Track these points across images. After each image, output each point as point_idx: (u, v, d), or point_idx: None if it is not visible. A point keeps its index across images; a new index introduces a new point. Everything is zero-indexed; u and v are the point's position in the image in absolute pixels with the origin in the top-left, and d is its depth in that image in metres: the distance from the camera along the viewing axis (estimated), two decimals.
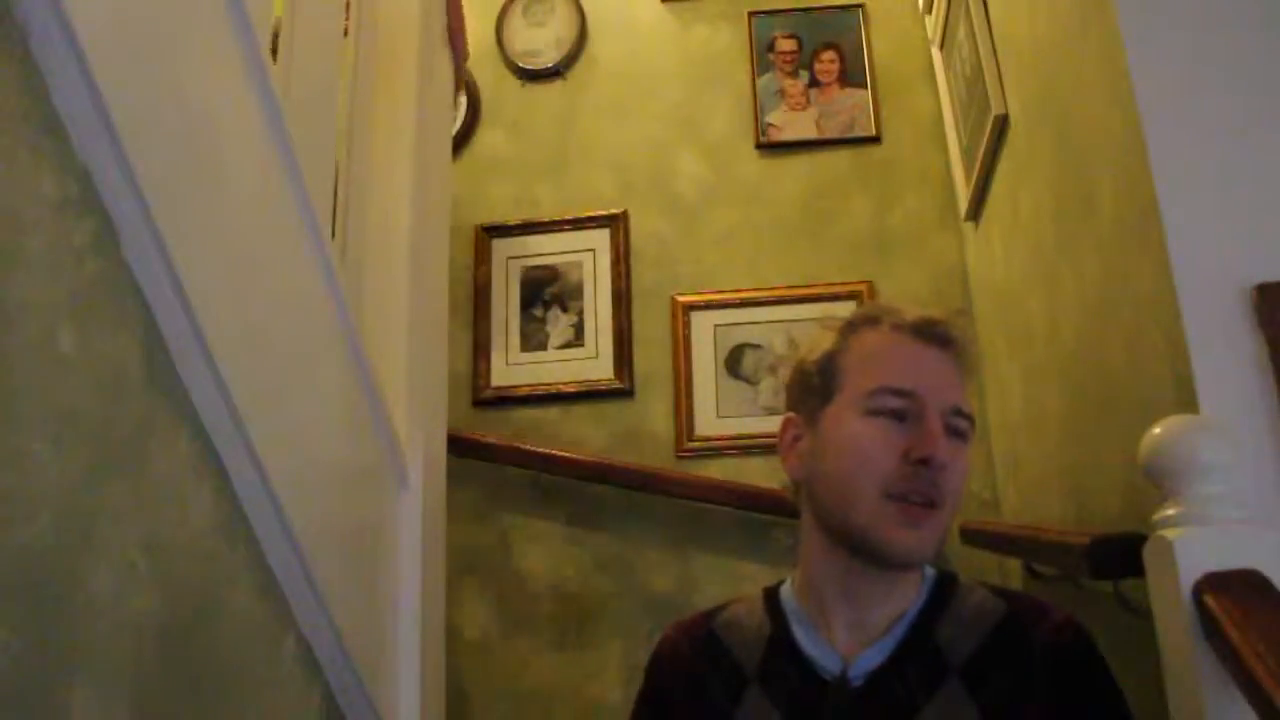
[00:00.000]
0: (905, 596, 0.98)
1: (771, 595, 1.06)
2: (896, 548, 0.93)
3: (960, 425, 0.95)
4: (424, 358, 1.34)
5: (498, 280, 2.87)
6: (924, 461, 0.91)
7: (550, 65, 3.02)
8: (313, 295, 0.96)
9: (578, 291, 2.84)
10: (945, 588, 1.00)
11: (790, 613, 1.02)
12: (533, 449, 2.63)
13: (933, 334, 0.97)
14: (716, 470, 2.64)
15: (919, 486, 0.92)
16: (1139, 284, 1.42)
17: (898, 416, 0.93)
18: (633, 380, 2.73)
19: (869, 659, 0.95)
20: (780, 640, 1.00)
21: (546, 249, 2.87)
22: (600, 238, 2.86)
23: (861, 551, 0.94)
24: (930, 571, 1.01)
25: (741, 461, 2.67)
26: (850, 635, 0.98)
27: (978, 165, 2.42)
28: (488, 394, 2.77)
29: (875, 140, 2.90)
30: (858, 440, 0.94)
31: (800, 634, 0.99)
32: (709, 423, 2.70)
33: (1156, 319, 1.35)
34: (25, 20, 0.53)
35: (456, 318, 2.63)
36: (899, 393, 0.94)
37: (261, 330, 0.83)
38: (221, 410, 0.73)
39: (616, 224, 2.86)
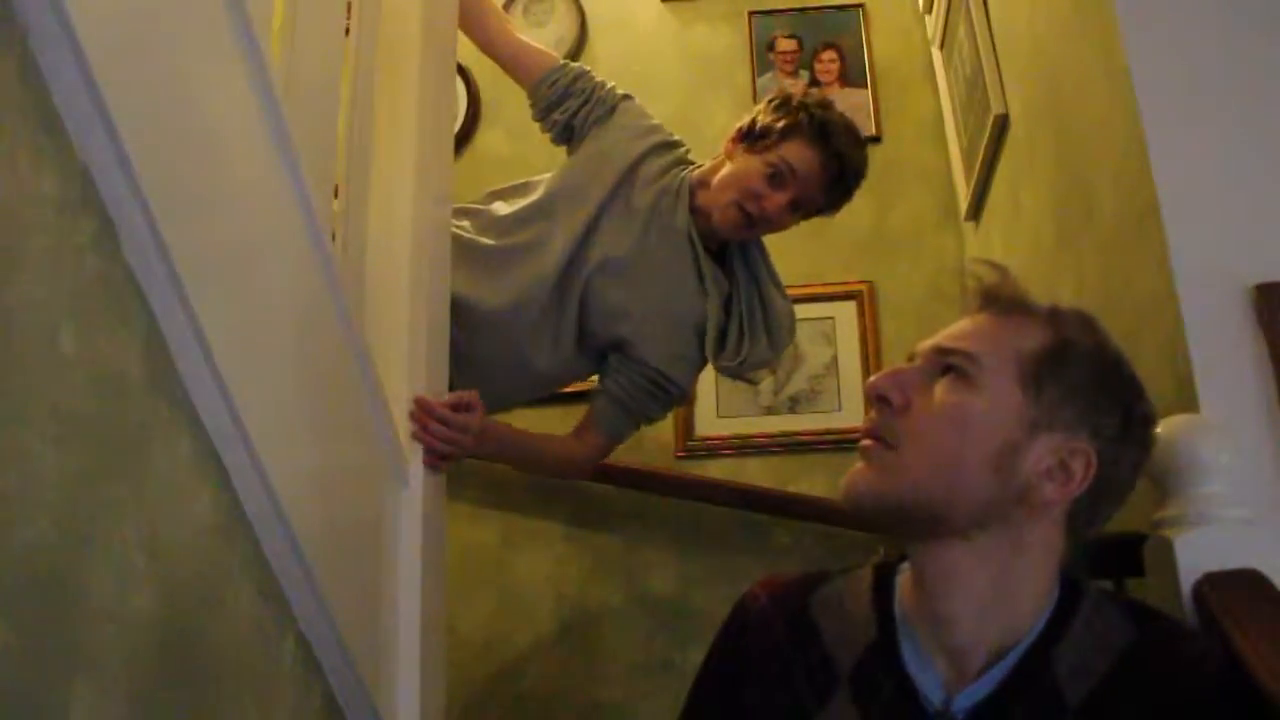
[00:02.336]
0: (1017, 616, 0.87)
1: (883, 588, 0.96)
2: (843, 486, 0.90)
3: (943, 362, 0.89)
4: (425, 358, 1.34)
5: None
6: (867, 397, 0.91)
7: None
8: (313, 295, 0.96)
9: None
10: (1071, 605, 0.89)
11: (900, 621, 0.93)
12: None
13: (971, 304, 0.94)
14: (716, 470, 2.64)
15: (866, 424, 0.91)
16: (1139, 284, 1.42)
17: None
18: None
19: (975, 692, 0.86)
20: (884, 649, 0.91)
21: None
22: None
23: None
24: (1057, 588, 0.90)
25: (741, 461, 2.67)
26: (951, 664, 0.88)
27: (978, 165, 2.42)
28: None
29: (875, 140, 2.90)
30: None
31: (907, 649, 0.90)
32: (709, 423, 2.70)
33: (1156, 319, 1.35)
34: (25, 20, 0.53)
35: None
36: (910, 359, 0.94)
37: (262, 330, 0.83)
38: (221, 410, 0.73)
39: None
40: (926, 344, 0.92)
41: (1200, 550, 1.07)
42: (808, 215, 1.77)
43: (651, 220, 1.76)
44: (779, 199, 1.69)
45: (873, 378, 0.91)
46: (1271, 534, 1.09)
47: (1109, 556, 1.32)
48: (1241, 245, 1.28)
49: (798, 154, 1.69)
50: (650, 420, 1.82)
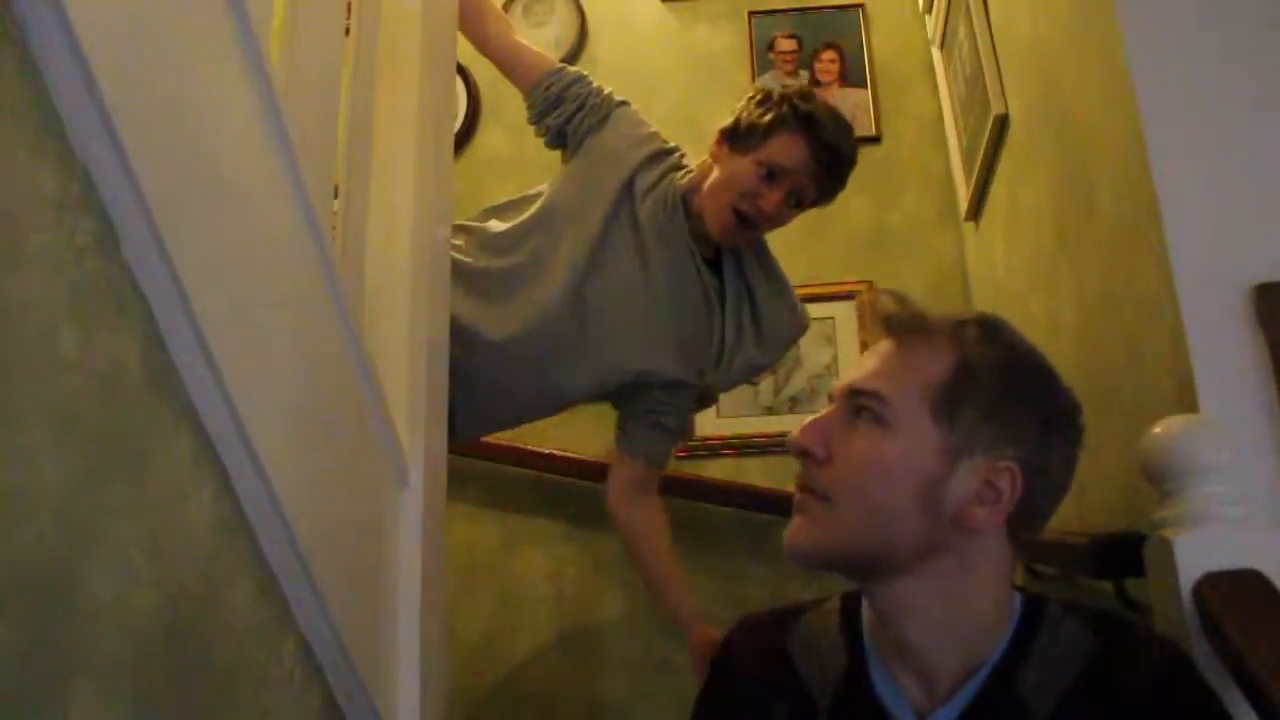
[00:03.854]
0: (978, 631, 0.90)
1: (851, 617, 0.98)
2: (784, 540, 0.92)
3: (858, 404, 0.90)
4: (425, 358, 1.34)
5: None
6: (791, 452, 0.93)
7: None
8: (313, 295, 0.96)
9: None
10: (1033, 621, 0.91)
11: (869, 648, 0.95)
12: (533, 449, 2.63)
13: (882, 331, 0.95)
14: (716, 470, 2.64)
15: (799, 476, 0.93)
16: (1139, 284, 1.42)
17: None
18: None
19: (944, 716, 0.88)
20: (856, 678, 0.93)
21: None
22: None
23: None
24: (1018, 605, 0.92)
25: (741, 461, 2.67)
26: (921, 685, 0.90)
27: (978, 165, 2.42)
28: None
29: (875, 140, 2.90)
30: None
31: (878, 677, 0.93)
32: (708, 423, 2.70)
33: (1156, 319, 1.35)
34: (24, 19, 0.53)
35: None
36: (830, 399, 0.96)
37: (262, 330, 0.83)
38: (221, 410, 0.73)
39: None
40: (842, 384, 0.93)
41: (1200, 550, 1.07)
42: (803, 208, 1.76)
43: (653, 235, 1.76)
44: (774, 196, 1.68)
45: (793, 432, 0.92)
46: (1271, 534, 1.09)
47: (1109, 556, 1.32)
48: (1241, 245, 1.28)
49: (786, 148, 1.68)
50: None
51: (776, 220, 1.74)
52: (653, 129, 1.87)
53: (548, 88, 1.82)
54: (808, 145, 1.68)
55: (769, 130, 1.69)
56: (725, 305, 1.79)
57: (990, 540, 0.89)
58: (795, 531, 0.91)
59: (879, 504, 0.87)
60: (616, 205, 1.76)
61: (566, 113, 1.82)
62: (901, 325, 0.93)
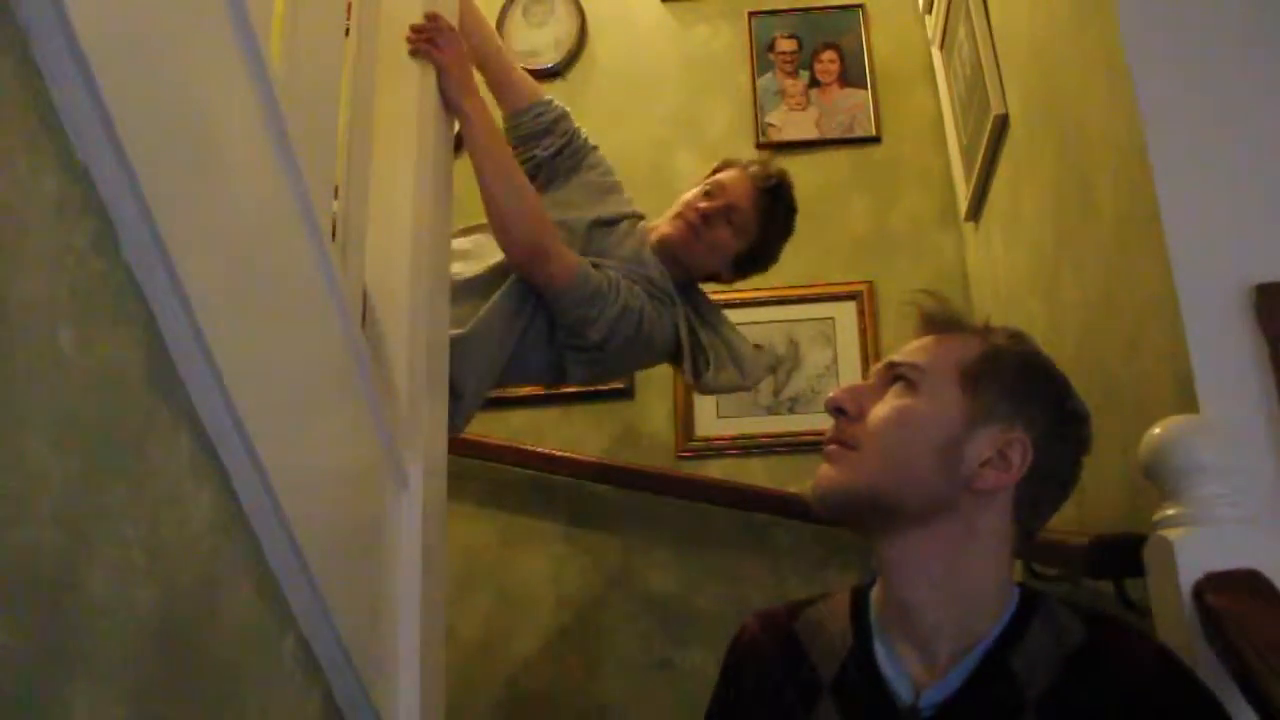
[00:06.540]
0: (975, 605, 0.95)
1: (859, 600, 1.04)
2: (810, 486, 1.01)
3: (894, 374, 1.00)
4: (425, 358, 1.34)
5: None
6: (828, 410, 1.03)
7: (550, 66, 3.02)
8: (313, 295, 0.96)
9: None
10: (1028, 609, 0.96)
11: (874, 625, 1.01)
12: (533, 449, 2.63)
13: (923, 327, 1.05)
14: (716, 470, 2.64)
15: (829, 431, 1.03)
16: (1139, 284, 1.42)
17: None
18: (632, 380, 2.73)
19: (940, 689, 0.93)
20: (860, 654, 0.99)
21: None
22: None
23: None
24: (1015, 594, 0.97)
25: (741, 462, 2.67)
26: (921, 658, 0.96)
27: (978, 165, 2.42)
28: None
29: (875, 140, 2.90)
30: None
31: (880, 652, 0.98)
32: (709, 423, 2.70)
33: (1156, 319, 1.35)
34: (25, 21, 0.53)
35: None
36: (866, 377, 1.07)
37: (262, 330, 0.83)
38: (221, 410, 0.73)
39: None
40: (881, 362, 1.04)
41: (1200, 550, 1.07)
42: (736, 235, 1.86)
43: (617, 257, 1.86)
44: (712, 206, 1.85)
45: (831, 392, 1.03)
46: (1271, 534, 1.09)
47: (1109, 556, 1.32)
48: (1241, 245, 1.28)
49: (727, 174, 1.90)
50: (583, 326, 1.72)
51: (716, 232, 1.86)
52: (616, 178, 2.00)
53: (538, 115, 1.92)
54: (746, 173, 1.89)
55: (717, 169, 1.94)
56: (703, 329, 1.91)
57: (995, 514, 0.95)
58: (821, 477, 0.99)
59: (901, 452, 0.96)
60: (584, 243, 1.85)
61: (554, 146, 1.92)
62: (940, 321, 1.04)
